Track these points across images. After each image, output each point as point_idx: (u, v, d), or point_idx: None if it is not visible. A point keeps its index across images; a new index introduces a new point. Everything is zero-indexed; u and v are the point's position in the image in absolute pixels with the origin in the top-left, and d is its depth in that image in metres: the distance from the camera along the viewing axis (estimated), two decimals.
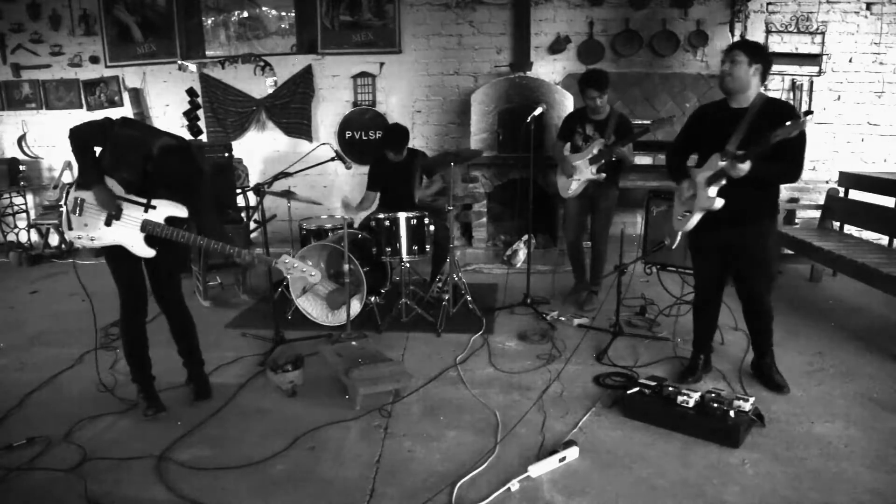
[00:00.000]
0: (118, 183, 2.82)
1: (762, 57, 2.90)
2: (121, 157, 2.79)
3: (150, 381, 3.07)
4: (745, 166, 2.73)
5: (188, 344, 3.19)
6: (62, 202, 2.90)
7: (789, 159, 2.82)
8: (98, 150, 2.85)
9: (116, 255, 2.88)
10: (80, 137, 2.79)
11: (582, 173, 4.33)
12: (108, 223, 2.82)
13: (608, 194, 4.43)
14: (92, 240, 2.84)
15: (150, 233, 2.83)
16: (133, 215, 2.82)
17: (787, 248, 5.02)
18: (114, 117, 2.88)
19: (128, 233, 2.83)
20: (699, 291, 3.29)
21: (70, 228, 2.84)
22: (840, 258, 4.22)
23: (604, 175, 4.27)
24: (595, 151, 4.26)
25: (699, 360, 3.31)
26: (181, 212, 2.87)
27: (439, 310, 4.14)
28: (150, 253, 2.86)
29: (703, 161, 3.03)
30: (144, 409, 2.97)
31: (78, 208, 2.84)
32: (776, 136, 2.62)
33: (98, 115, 6.84)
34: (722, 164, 2.81)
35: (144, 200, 2.82)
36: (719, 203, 2.91)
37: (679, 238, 3.18)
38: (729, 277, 3.24)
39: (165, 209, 2.85)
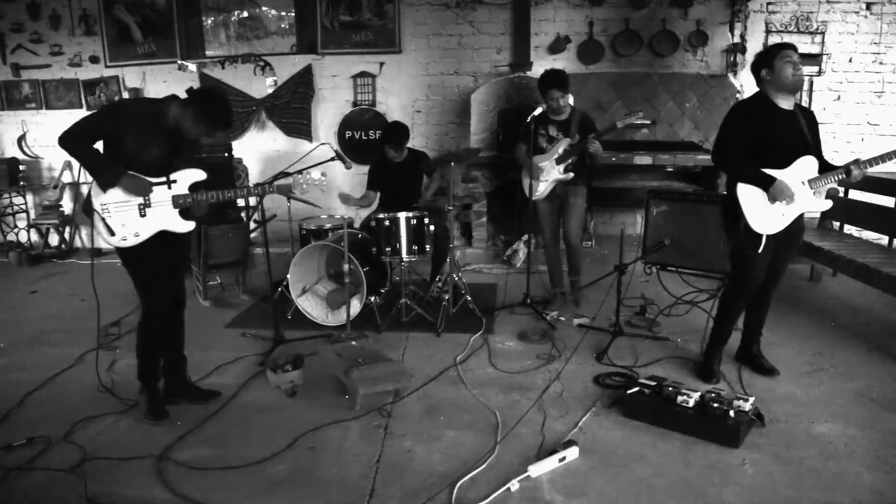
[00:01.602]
0: (138, 172, 2.74)
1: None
2: (146, 134, 2.72)
3: (157, 383, 3.03)
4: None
5: (180, 348, 3.13)
6: (96, 210, 2.74)
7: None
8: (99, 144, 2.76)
9: (153, 249, 2.82)
10: (82, 135, 2.65)
11: (549, 174, 4.31)
12: (142, 214, 2.77)
13: (577, 192, 4.39)
14: (137, 235, 2.78)
15: (183, 206, 2.82)
16: (160, 198, 2.80)
17: None
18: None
19: (164, 214, 2.81)
20: (748, 292, 3.18)
21: (113, 234, 2.76)
22: (840, 258, 4.22)
23: (571, 174, 4.26)
24: (561, 151, 4.25)
25: (716, 362, 3.32)
26: (200, 175, 2.87)
27: (439, 310, 4.14)
28: (190, 225, 2.87)
29: (769, 160, 2.99)
30: (145, 413, 2.93)
31: (110, 212, 2.75)
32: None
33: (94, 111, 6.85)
34: (855, 172, 2.94)
35: (164, 179, 2.79)
36: (829, 204, 3.10)
37: (764, 240, 3.04)
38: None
39: (186, 178, 2.84)
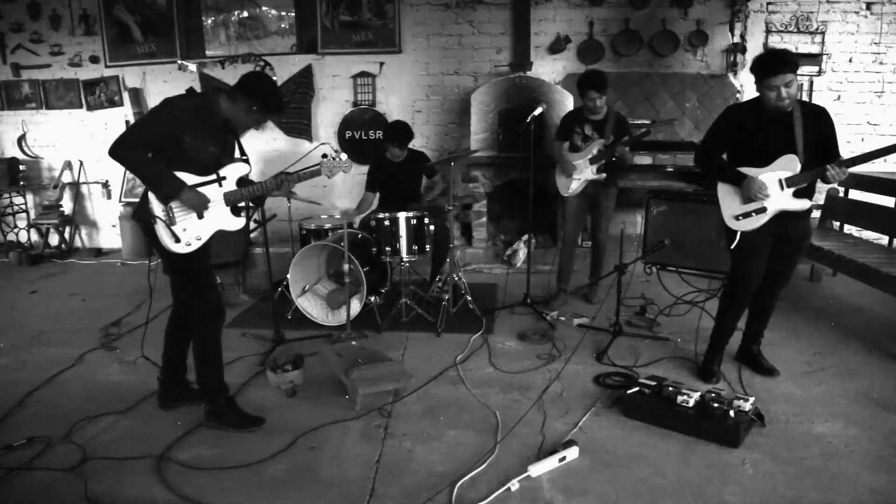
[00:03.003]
0: (192, 172, 2.68)
1: (798, 63, 2.95)
2: (202, 133, 2.65)
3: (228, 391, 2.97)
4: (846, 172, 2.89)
5: (186, 352, 3.07)
6: (158, 217, 2.65)
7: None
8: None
9: (205, 250, 2.78)
10: (138, 145, 2.56)
11: (582, 173, 4.35)
12: (200, 216, 2.73)
13: (608, 193, 4.48)
14: (199, 239, 2.73)
15: (235, 202, 2.81)
16: (213, 196, 2.75)
17: None
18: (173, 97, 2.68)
19: (219, 214, 2.78)
20: (743, 290, 3.19)
21: (178, 241, 2.67)
22: (840, 258, 4.22)
23: (604, 175, 4.31)
24: (595, 152, 4.30)
25: (716, 362, 3.31)
26: (245, 168, 2.85)
27: (439, 310, 4.14)
28: (241, 222, 2.85)
29: (751, 161, 3.04)
30: (237, 425, 2.84)
31: (172, 220, 2.67)
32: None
33: (98, 115, 6.86)
34: (831, 172, 2.87)
35: (214, 177, 2.74)
36: (808, 204, 3.02)
37: (738, 238, 3.09)
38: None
39: (233, 174, 2.81)
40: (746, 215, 3.08)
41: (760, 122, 3.01)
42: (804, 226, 3.17)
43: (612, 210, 4.56)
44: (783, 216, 3.04)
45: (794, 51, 5.79)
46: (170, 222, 2.65)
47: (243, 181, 2.86)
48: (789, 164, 2.98)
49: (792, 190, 3.00)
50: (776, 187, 3.01)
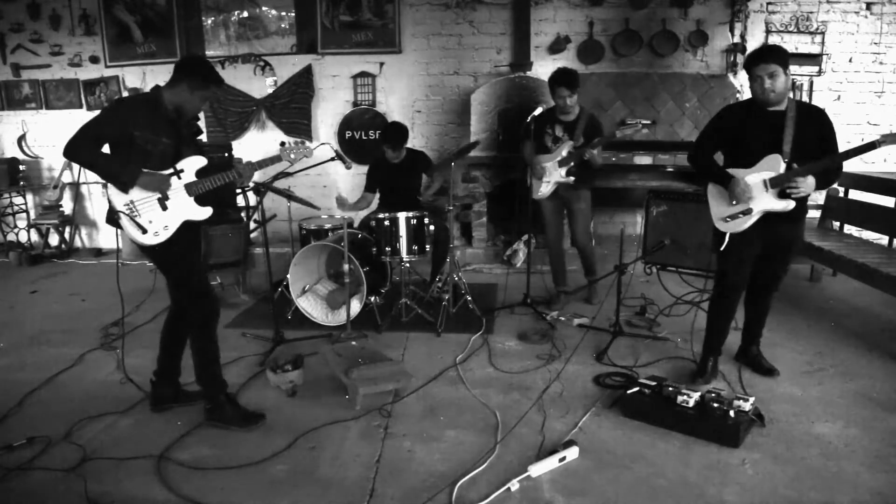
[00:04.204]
0: (151, 168, 2.71)
1: (788, 58, 2.91)
2: (152, 127, 2.68)
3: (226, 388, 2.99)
4: (812, 180, 2.85)
5: (180, 354, 3.08)
6: (121, 212, 2.69)
7: (837, 163, 2.92)
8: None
9: (184, 243, 2.80)
10: (88, 142, 2.60)
11: (552, 175, 4.29)
12: (163, 207, 2.75)
13: (581, 195, 4.37)
14: (167, 228, 2.75)
15: (197, 193, 2.81)
16: (174, 187, 2.77)
17: None
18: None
19: (183, 204, 2.79)
20: (730, 292, 3.19)
21: (145, 232, 2.71)
22: (840, 258, 4.22)
23: (573, 178, 4.22)
24: (564, 154, 4.22)
25: (709, 361, 3.28)
26: (202, 161, 2.85)
27: (439, 310, 4.14)
28: (208, 211, 2.85)
29: (742, 162, 3.03)
30: (239, 423, 2.87)
31: (137, 210, 2.71)
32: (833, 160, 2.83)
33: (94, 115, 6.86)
34: (800, 174, 2.85)
35: (172, 170, 2.77)
36: (791, 205, 2.94)
37: (727, 240, 3.09)
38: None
39: (191, 166, 2.82)
40: (734, 217, 3.06)
41: (752, 122, 2.99)
42: (794, 229, 3.12)
43: (587, 212, 4.45)
44: (772, 219, 3.00)
45: (794, 51, 5.81)
46: (133, 215, 2.70)
47: (203, 172, 2.87)
48: (773, 165, 2.94)
49: (776, 190, 2.95)
50: (761, 188, 2.98)
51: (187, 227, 2.82)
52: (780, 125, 2.93)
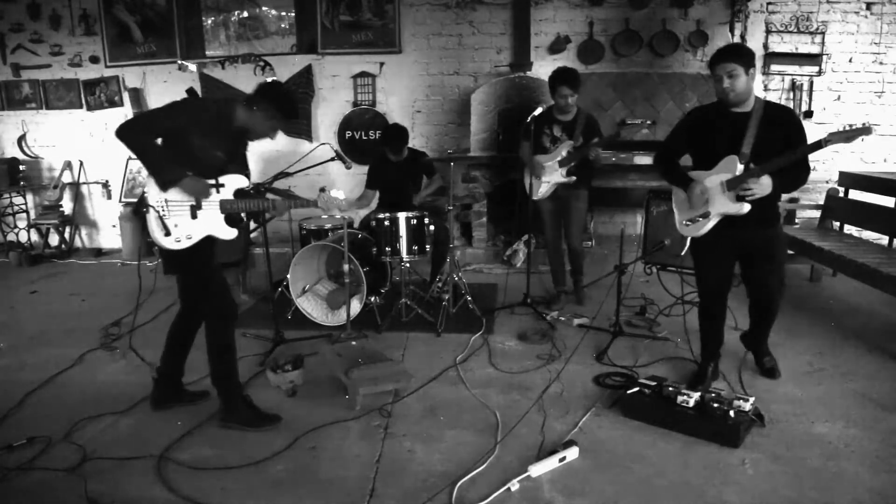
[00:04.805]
0: (194, 173, 2.66)
1: (752, 59, 2.84)
2: (212, 136, 2.65)
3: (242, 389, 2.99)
4: (767, 181, 2.77)
5: (185, 357, 3.07)
6: (152, 207, 2.65)
7: (802, 165, 2.83)
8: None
9: (206, 252, 2.77)
10: (145, 130, 2.57)
11: (551, 175, 4.29)
12: (193, 216, 2.71)
13: (579, 195, 4.37)
14: (189, 238, 2.72)
15: (228, 212, 2.78)
16: (209, 200, 2.75)
17: (788, 249, 5.02)
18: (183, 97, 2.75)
19: (212, 218, 2.76)
20: (707, 297, 3.20)
21: (168, 234, 2.68)
22: (840, 258, 4.21)
23: (574, 178, 4.23)
24: (564, 154, 4.23)
25: (709, 367, 3.24)
26: (244, 181, 2.83)
27: (439, 310, 4.14)
28: (234, 233, 2.81)
29: (705, 164, 3.01)
30: (253, 424, 2.84)
31: (167, 210, 2.68)
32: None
33: (98, 115, 6.87)
34: (754, 174, 2.78)
35: (213, 182, 2.74)
36: (746, 208, 2.87)
37: (688, 244, 3.12)
38: (735, 279, 3.22)
39: (232, 184, 2.79)
40: (693, 220, 3.04)
41: (718, 123, 2.94)
42: (766, 234, 3.01)
43: (583, 212, 4.46)
44: (739, 224, 2.93)
45: (794, 51, 5.81)
46: (162, 214, 2.66)
47: (241, 193, 2.85)
48: (730, 166, 2.89)
49: (734, 193, 2.88)
50: (719, 190, 2.93)
51: (209, 241, 2.80)
52: (743, 126, 2.86)
